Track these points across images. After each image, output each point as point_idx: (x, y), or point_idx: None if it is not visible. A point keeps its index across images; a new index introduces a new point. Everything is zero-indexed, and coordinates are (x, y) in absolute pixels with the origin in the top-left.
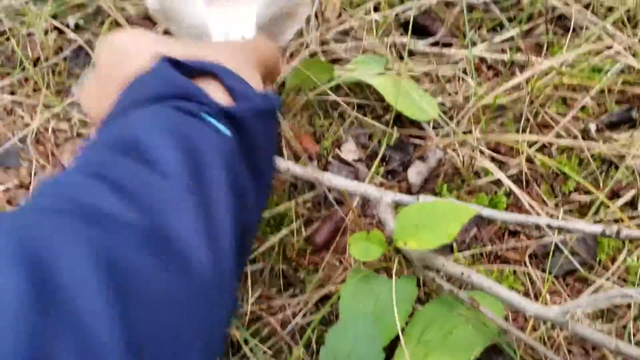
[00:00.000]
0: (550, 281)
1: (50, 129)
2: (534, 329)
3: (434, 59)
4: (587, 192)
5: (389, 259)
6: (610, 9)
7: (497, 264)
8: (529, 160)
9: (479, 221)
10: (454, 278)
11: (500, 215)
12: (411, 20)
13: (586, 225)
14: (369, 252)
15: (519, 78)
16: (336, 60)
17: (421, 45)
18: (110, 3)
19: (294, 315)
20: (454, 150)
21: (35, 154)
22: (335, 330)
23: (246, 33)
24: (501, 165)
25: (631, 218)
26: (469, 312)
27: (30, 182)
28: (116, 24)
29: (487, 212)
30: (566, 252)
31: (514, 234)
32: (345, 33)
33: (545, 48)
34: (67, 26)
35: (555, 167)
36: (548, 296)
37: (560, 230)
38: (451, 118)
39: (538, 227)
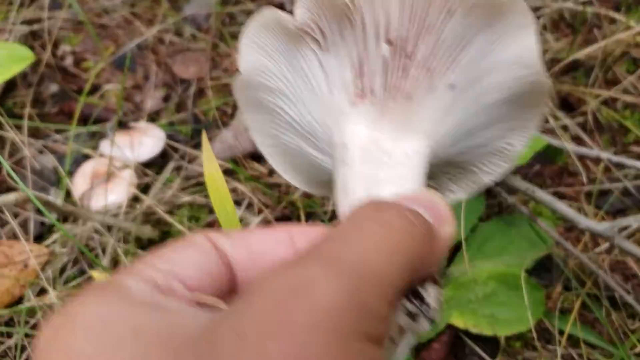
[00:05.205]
0: (601, 216)
1: (167, 40)
2: (582, 250)
3: None
4: None
5: None
6: None
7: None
8: (595, 112)
9: (542, 160)
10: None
11: (568, 146)
12: None
13: None
14: None
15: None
16: None
17: None
18: None
19: None
20: None
21: (150, 60)
22: None
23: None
24: (568, 113)
25: None
26: (527, 230)
27: (142, 85)
28: None
29: (556, 142)
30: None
31: (573, 175)
32: None
33: (622, 11)
34: None
35: (618, 120)
36: None
37: (618, 165)
38: None
39: (594, 167)
